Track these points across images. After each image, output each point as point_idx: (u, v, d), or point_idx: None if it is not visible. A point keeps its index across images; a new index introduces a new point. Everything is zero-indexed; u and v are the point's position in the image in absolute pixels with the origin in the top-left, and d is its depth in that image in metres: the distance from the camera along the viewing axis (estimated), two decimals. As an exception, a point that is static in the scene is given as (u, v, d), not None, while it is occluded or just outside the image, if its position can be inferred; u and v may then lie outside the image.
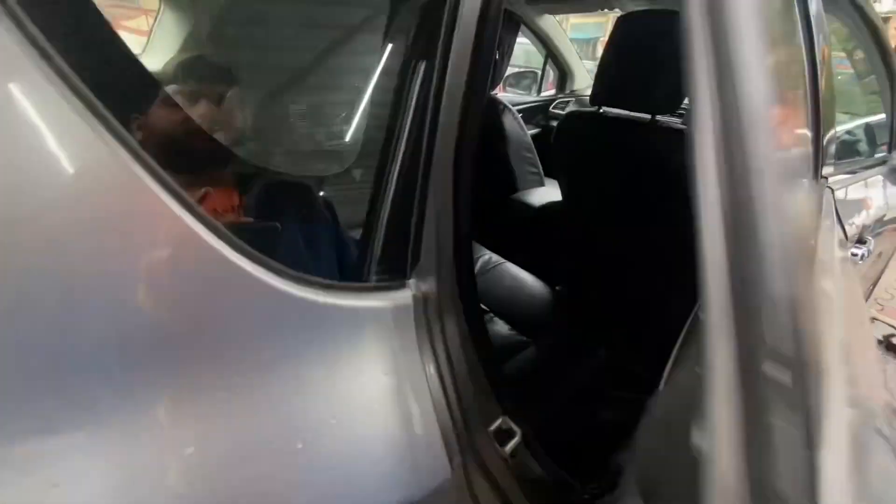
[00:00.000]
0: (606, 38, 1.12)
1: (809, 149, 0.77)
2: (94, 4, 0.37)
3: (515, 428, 0.53)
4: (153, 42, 0.68)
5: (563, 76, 2.48)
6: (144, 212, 0.32)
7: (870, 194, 1.37)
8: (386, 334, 0.46)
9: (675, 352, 0.52)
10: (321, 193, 0.71)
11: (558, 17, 2.34)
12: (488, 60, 0.52)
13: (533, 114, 2.40)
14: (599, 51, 1.41)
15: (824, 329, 0.44)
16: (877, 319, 2.13)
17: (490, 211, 1.91)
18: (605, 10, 2.17)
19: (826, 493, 0.33)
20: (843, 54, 1.53)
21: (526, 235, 1.67)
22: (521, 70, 2.65)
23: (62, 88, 0.28)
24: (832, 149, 1.02)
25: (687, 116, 1.81)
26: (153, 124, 0.48)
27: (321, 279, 0.42)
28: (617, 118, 1.15)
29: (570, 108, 2.28)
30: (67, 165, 0.29)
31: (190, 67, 0.59)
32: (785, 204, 0.36)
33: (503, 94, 2.54)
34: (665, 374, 0.52)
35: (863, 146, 1.50)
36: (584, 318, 1.29)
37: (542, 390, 0.99)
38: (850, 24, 1.37)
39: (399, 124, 0.50)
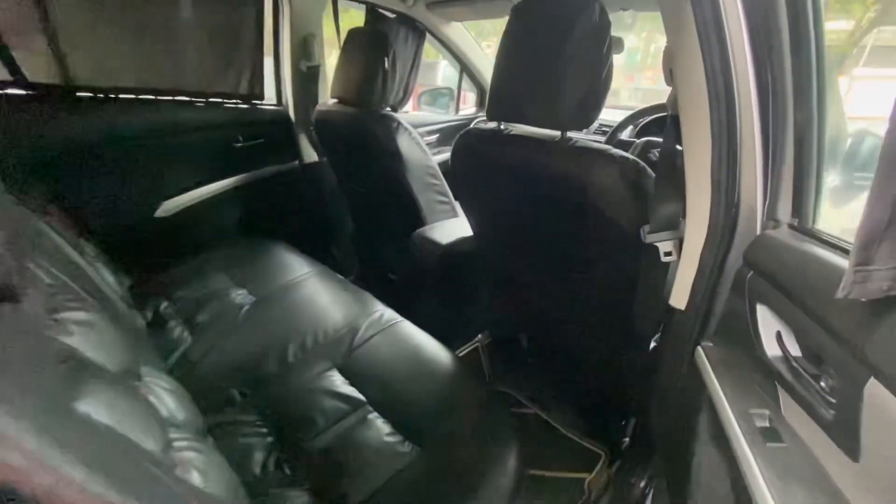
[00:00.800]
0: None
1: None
2: None
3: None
4: None
5: (483, 93, 2.26)
6: None
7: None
8: None
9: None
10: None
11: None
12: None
13: (451, 135, 2.15)
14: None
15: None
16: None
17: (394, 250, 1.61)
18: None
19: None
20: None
21: (436, 279, 1.37)
22: (437, 87, 2.42)
23: None
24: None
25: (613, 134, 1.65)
26: None
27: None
28: (521, 136, 0.89)
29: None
30: None
31: None
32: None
33: (416, 112, 2.29)
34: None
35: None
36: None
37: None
38: None
39: None
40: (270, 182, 1.70)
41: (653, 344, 0.96)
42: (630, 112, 1.63)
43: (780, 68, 0.58)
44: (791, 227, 0.61)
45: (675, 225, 0.74)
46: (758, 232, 0.63)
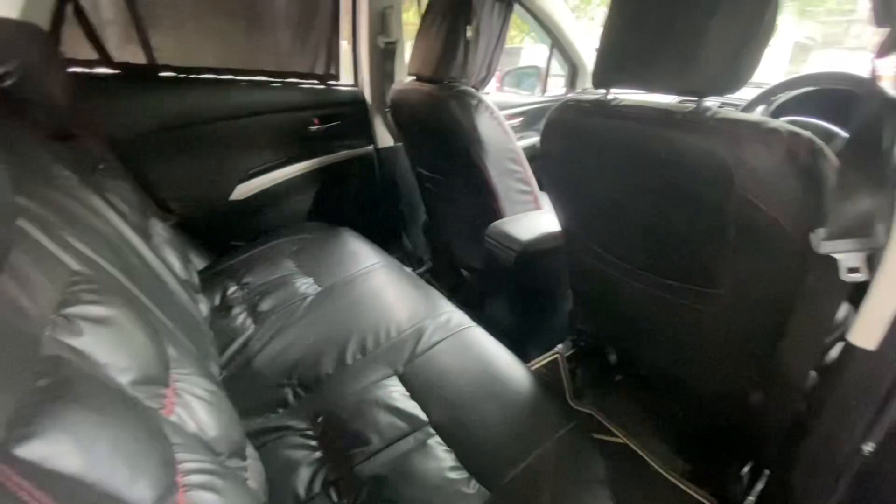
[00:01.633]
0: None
1: None
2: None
3: None
4: None
5: (574, 71, 2.02)
6: None
7: None
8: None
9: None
10: None
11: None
12: None
13: (538, 118, 1.95)
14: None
15: None
16: None
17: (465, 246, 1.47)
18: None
19: None
20: None
21: (513, 279, 1.21)
22: (522, 67, 2.21)
23: None
24: None
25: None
26: None
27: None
28: (636, 107, 0.69)
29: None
30: None
31: None
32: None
33: (500, 93, 2.11)
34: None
35: None
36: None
37: None
38: None
39: None
40: (344, 167, 1.65)
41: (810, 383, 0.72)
42: (762, 88, 1.31)
43: None
44: None
45: (866, 231, 0.52)
46: None
